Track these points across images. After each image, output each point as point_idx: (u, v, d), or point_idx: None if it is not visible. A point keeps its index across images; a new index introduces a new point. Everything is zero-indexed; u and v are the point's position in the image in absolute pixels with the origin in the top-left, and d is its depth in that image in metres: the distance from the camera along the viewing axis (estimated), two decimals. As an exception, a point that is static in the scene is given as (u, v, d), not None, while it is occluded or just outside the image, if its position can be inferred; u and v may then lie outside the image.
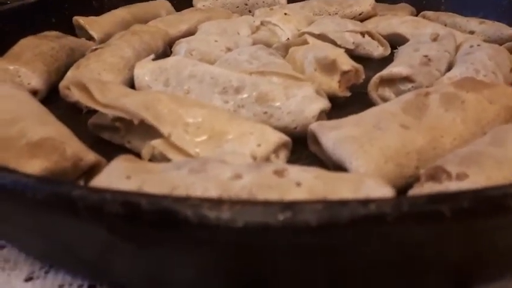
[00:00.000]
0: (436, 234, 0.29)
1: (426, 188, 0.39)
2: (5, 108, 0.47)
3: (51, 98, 0.64)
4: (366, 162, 0.43)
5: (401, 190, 0.42)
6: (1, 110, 0.47)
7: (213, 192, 0.35)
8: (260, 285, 0.31)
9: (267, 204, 0.27)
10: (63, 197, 0.28)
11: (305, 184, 0.35)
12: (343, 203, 0.27)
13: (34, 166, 0.40)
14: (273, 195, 0.34)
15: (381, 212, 0.27)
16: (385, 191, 0.34)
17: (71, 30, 0.81)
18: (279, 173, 0.36)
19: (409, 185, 0.43)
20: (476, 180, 0.38)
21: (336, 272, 0.31)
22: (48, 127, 0.45)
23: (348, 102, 0.62)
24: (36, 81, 0.61)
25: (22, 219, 0.34)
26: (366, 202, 0.27)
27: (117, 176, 0.37)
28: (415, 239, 0.29)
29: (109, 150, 0.49)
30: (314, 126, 0.50)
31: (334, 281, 0.32)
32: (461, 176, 0.38)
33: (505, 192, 0.27)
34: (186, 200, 0.27)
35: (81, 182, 0.45)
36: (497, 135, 0.43)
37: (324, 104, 0.53)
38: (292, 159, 0.51)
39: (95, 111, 0.54)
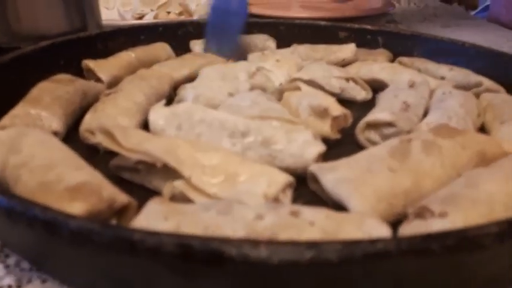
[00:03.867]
0: (426, 266, 0.36)
1: (414, 224, 0.47)
2: (41, 155, 0.52)
3: (68, 139, 0.69)
4: (362, 202, 0.50)
5: (392, 225, 0.50)
6: (37, 156, 0.52)
7: (241, 232, 0.41)
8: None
9: (295, 244, 0.34)
10: (125, 240, 0.34)
11: (317, 224, 0.42)
12: (356, 243, 0.34)
13: (75, 208, 0.45)
14: (291, 234, 0.41)
15: (386, 249, 0.34)
16: (383, 229, 0.42)
17: (79, 71, 0.86)
18: (294, 213, 0.43)
19: (397, 221, 0.50)
20: (454, 217, 0.45)
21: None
22: (82, 172, 0.51)
23: (338, 142, 0.70)
24: (56, 124, 0.66)
25: (76, 259, 0.39)
26: (374, 241, 0.34)
27: (155, 217, 0.43)
28: (411, 270, 0.36)
29: (130, 188, 0.55)
30: (314, 168, 0.57)
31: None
32: (442, 214, 0.46)
33: (481, 232, 0.35)
34: (230, 240, 0.34)
35: (114, 221, 0.50)
36: (469, 177, 0.51)
37: (321, 147, 0.61)
38: (295, 196, 0.58)
39: (111, 152, 0.59)
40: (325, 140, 0.66)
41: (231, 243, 0.34)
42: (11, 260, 0.49)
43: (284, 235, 0.40)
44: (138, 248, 0.34)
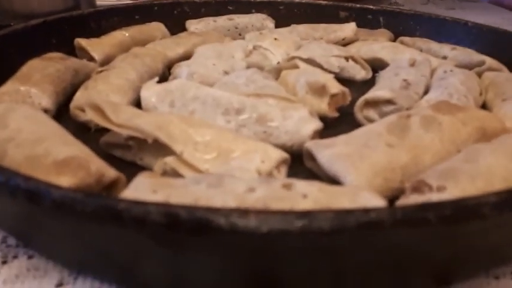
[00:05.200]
0: (422, 238, 0.35)
1: (411, 199, 0.45)
2: (29, 129, 0.51)
3: (57, 117, 0.67)
4: (358, 177, 0.48)
5: (389, 201, 0.48)
6: (25, 131, 0.50)
7: (231, 204, 0.40)
8: (277, 283, 0.36)
9: (286, 213, 0.33)
10: (110, 209, 0.33)
11: (310, 196, 0.40)
12: (349, 212, 0.33)
13: (63, 182, 0.44)
14: (284, 206, 0.39)
15: (379, 219, 0.32)
16: (379, 202, 0.40)
17: (71, 50, 0.84)
18: (286, 186, 0.42)
19: (394, 197, 0.49)
20: (453, 191, 0.44)
21: (340, 270, 0.37)
22: (70, 146, 0.49)
23: (336, 121, 0.68)
24: (46, 101, 0.64)
25: (61, 231, 0.38)
26: (367, 210, 0.33)
27: (144, 190, 0.42)
28: (406, 241, 0.35)
29: (120, 166, 0.54)
30: (310, 145, 0.56)
31: (337, 278, 0.37)
32: (440, 188, 0.44)
33: (479, 201, 0.33)
34: (218, 210, 0.32)
35: (102, 196, 0.49)
36: (470, 153, 0.50)
37: (317, 124, 0.59)
38: (290, 174, 0.56)
39: (103, 129, 0.58)
40: (323, 119, 0.65)
41: (219, 212, 0.32)
42: (-2, 237, 0.48)
43: (276, 207, 0.39)
44: (123, 217, 0.33)
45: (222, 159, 0.52)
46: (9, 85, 0.64)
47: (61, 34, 0.85)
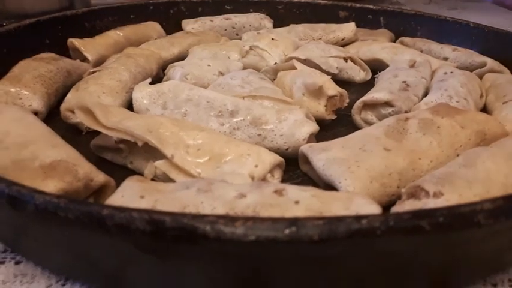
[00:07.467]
0: (416, 245, 0.33)
1: (407, 204, 0.44)
2: (16, 132, 0.50)
3: (50, 118, 0.66)
4: (354, 182, 0.47)
5: (385, 207, 0.47)
6: (13, 133, 0.49)
7: (220, 210, 0.39)
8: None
9: (274, 220, 0.31)
10: (93, 216, 0.32)
11: (302, 202, 0.39)
12: (339, 219, 0.31)
13: (49, 187, 0.43)
14: (274, 213, 0.38)
15: (371, 226, 0.31)
16: (373, 208, 0.39)
17: (65, 50, 0.83)
18: (278, 192, 0.41)
19: (391, 202, 0.48)
20: (450, 197, 0.42)
21: (331, 279, 0.35)
22: (58, 149, 0.48)
23: (333, 124, 0.67)
24: (37, 103, 0.63)
25: (46, 236, 0.37)
26: (359, 218, 0.31)
27: (131, 195, 0.41)
28: (399, 249, 0.33)
29: (111, 170, 0.52)
30: (305, 148, 0.54)
31: (329, 287, 0.36)
32: (437, 194, 0.43)
33: (474, 209, 0.32)
34: (203, 217, 0.31)
35: (91, 201, 0.48)
36: (468, 157, 0.48)
37: (313, 127, 0.58)
38: (285, 178, 0.55)
39: (94, 132, 0.57)
40: (320, 122, 0.63)
41: (204, 219, 0.31)
42: (-16, 242, 0.47)
43: (266, 214, 0.38)
44: (106, 224, 0.32)
45: (214, 163, 0.51)
46: (-1, 86, 0.63)
47: (55, 34, 0.84)
